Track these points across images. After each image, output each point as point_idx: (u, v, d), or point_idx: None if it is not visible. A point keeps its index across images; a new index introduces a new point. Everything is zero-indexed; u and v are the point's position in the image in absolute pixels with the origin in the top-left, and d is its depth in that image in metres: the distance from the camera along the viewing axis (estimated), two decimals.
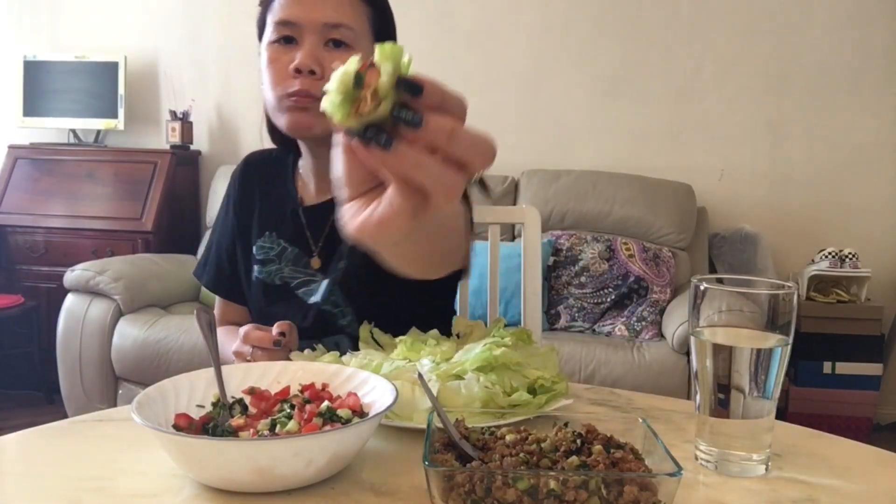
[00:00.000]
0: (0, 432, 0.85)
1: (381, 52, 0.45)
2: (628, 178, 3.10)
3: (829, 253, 2.94)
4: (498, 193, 3.16)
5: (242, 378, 0.84)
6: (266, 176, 1.21)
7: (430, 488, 0.62)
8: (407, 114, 0.44)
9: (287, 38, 1.04)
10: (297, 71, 1.01)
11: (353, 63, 0.46)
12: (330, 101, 0.45)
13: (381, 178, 0.47)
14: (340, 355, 0.95)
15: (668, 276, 2.87)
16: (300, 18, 1.02)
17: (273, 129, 1.16)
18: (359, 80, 0.45)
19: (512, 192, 3.21)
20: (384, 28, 1.10)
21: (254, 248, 1.17)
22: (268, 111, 1.10)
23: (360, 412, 0.76)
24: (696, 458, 0.77)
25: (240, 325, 1.02)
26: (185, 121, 3.55)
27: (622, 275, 2.83)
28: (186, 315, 2.84)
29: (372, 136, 0.44)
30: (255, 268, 1.16)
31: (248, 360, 0.96)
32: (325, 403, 0.76)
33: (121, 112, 3.55)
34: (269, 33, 1.06)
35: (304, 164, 1.18)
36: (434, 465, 0.62)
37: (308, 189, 1.18)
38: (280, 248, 1.15)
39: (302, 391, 0.82)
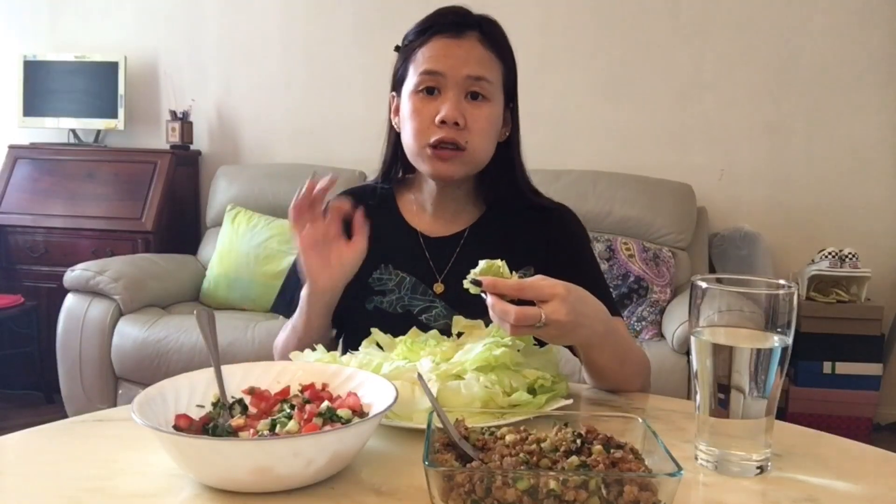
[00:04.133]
0: (0, 432, 0.85)
1: (490, 266, 0.90)
2: (628, 178, 3.10)
3: (829, 253, 2.94)
4: None
5: (242, 378, 0.84)
6: (369, 209, 1.22)
7: (430, 488, 0.62)
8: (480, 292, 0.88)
9: (429, 89, 1.11)
10: (443, 122, 1.09)
11: (488, 266, 0.90)
12: (471, 282, 0.89)
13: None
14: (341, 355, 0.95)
15: (668, 276, 2.87)
16: (446, 70, 1.10)
17: (392, 164, 1.23)
18: (478, 282, 0.88)
19: None
20: (511, 84, 1.18)
21: (369, 280, 1.19)
22: (409, 155, 1.15)
23: (360, 412, 0.76)
24: (696, 458, 0.77)
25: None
26: (185, 121, 3.54)
27: (622, 275, 2.83)
28: (186, 315, 2.84)
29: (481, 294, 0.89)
30: (375, 299, 1.18)
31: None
32: (325, 403, 0.76)
33: (121, 112, 3.55)
34: (413, 82, 1.12)
35: (422, 197, 1.22)
36: (434, 465, 0.62)
37: (424, 220, 1.23)
38: (398, 279, 1.19)
39: (302, 391, 0.82)
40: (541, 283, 0.88)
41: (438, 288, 1.17)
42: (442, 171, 1.12)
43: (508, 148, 1.20)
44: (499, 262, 0.91)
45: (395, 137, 1.21)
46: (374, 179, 1.27)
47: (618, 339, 1.00)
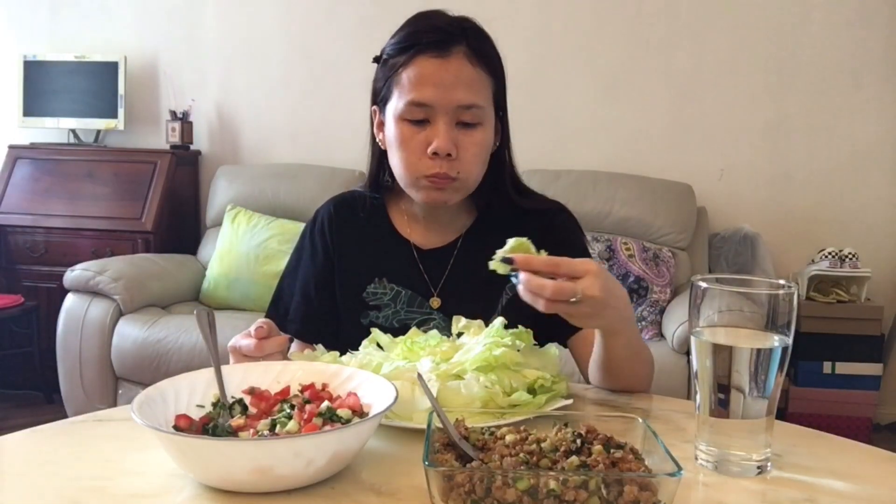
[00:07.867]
0: (0, 432, 0.85)
1: (519, 244, 0.88)
2: (628, 178, 3.10)
3: (829, 253, 2.94)
4: None
5: (242, 378, 0.84)
6: (360, 220, 1.22)
7: (430, 488, 0.62)
8: (515, 276, 0.86)
9: (419, 116, 1.07)
10: (435, 153, 1.05)
11: (517, 244, 0.88)
12: (500, 261, 0.86)
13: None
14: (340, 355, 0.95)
15: (668, 276, 2.87)
16: (435, 101, 1.05)
17: (379, 174, 1.20)
18: (508, 260, 0.85)
19: None
20: (502, 96, 1.15)
21: (363, 294, 1.17)
22: (401, 183, 1.13)
23: (360, 412, 0.76)
24: (696, 458, 0.77)
25: None
26: (185, 121, 3.54)
27: (622, 275, 2.83)
28: (186, 315, 2.84)
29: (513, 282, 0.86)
30: (370, 314, 1.17)
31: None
32: (325, 403, 0.76)
33: (121, 112, 3.55)
34: (400, 108, 1.07)
35: (413, 208, 1.20)
36: (434, 465, 0.62)
37: (416, 231, 1.20)
38: (393, 293, 1.17)
39: (302, 391, 0.82)
40: (573, 259, 0.86)
41: (435, 302, 1.16)
42: (437, 198, 1.09)
43: (499, 156, 1.17)
44: (525, 239, 0.89)
45: (378, 151, 1.18)
46: (363, 186, 1.24)
47: (635, 328, 1.01)
